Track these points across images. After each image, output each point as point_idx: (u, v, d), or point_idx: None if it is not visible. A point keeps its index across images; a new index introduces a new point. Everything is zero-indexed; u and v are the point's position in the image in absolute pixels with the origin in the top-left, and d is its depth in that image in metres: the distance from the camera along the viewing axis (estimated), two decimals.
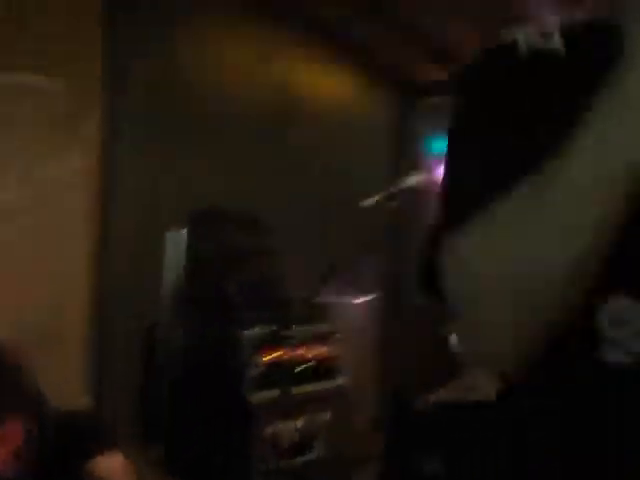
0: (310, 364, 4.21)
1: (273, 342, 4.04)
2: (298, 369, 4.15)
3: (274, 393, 4.02)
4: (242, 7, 4.66)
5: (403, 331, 5.85)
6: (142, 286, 3.98)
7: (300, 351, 4.16)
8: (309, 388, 4.21)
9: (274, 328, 4.03)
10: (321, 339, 4.33)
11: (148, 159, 4.11)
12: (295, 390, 4.10)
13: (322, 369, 4.31)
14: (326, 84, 5.71)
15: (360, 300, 5.01)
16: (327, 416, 4.30)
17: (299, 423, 4.13)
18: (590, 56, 0.92)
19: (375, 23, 5.20)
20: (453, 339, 3.25)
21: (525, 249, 0.85)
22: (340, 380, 4.39)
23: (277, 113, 4.97)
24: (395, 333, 5.75)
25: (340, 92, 5.84)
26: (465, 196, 0.95)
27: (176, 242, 4.06)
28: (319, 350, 4.28)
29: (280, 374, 4.04)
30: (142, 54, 4.04)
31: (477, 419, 3.07)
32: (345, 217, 5.27)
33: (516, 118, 0.96)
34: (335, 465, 4.32)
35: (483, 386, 2.95)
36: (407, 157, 6.38)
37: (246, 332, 3.94)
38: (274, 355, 4.04)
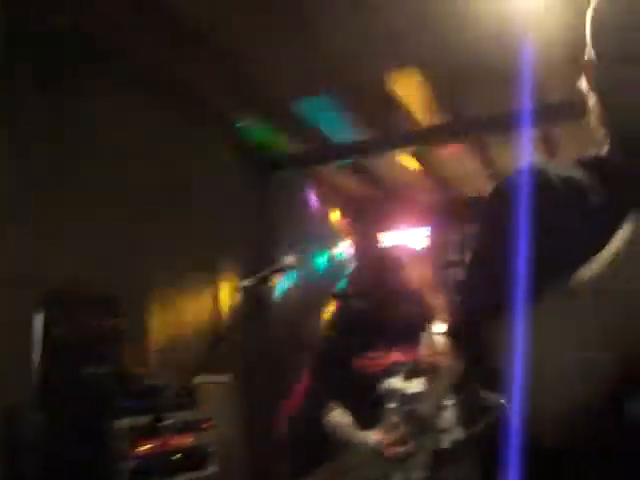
0: (181, 453, 3.94)
1: (146, 432, 3.70)
2: (174, 458, 3.87)
3: None
4: None
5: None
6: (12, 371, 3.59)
7: (174, 440, 3.90)
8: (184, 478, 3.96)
9: (147, 417, 3.65)
10: (194, 426, 4.11)
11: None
12: None
13: (195, 458, 4.08)
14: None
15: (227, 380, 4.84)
16: None
17: None
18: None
19: None
20: (332, 418, 3.29)
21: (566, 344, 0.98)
22: (211, 469, 4.19)
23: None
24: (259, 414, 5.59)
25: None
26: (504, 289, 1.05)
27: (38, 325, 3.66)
28: (190, 438, 4.05)
29: (155, 466, 3.75)
30: None
31: None
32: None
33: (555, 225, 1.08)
34: None
35: (357, 468, 3.02)
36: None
37: (116, 423, 3.63)
38: (148, 446, 3.73)
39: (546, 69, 4.30)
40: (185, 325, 5.04)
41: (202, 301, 5.33)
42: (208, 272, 5.39)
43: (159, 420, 3.50)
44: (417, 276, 3.31)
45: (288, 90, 5.13)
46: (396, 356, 3.18)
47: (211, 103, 5.26)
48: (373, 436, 2.99)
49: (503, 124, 5.34)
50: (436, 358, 3.08)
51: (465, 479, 3.07)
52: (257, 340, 5.60)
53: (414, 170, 6.74)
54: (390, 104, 5.36)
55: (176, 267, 4.90)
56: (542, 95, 4.88)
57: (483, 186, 7.09)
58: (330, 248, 6.98)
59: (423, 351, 3.15)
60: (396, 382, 3.10)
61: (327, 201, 7.12)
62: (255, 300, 4.99)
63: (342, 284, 6.89)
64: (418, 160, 6.49)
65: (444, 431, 3.04)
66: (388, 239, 7.24)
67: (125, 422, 3.65)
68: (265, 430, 5.59)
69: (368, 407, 3.11)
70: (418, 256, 5.72)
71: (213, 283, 5.46)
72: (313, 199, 6.90)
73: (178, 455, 3.88)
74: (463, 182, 7.16)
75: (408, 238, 7.08)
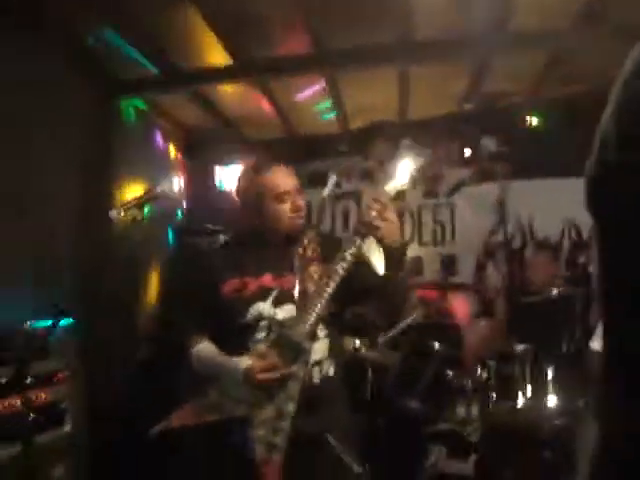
0: (37, 411, 3.57)
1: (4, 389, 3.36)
2: (30, 417, 3.45)
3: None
4: None
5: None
6: None
7: (29, 396, 3.47)
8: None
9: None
10: (48, 379, 3.79)
11: None
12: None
13: (52, 415, 3.78)
14: None
15: None
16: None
17: None
18: None
19: None
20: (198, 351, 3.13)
21: None
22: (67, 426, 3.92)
23: None
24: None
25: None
26: None
27: None
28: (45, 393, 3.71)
29: (11, 427, 3.38)
30: None
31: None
32: None
33: None
34: None
35: (224, 403, 2.89)
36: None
37: None
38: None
39: None
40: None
41: None
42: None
43: (21, 374, 3.05)
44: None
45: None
46: (264, 281, 3.02)
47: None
48: (244, 362, 2.83)
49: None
50: (306, 284, 2.96)
51: (331, 419, 2.99)
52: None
53: (260, 105, 6.47)
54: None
55: None
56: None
57: (328, 125, 7.03)
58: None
59: (293, 277, 3.01)
60: (264, 307, 2.96)
61: (166, 133, 6.82)
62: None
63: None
64: (265, 94, 6.25)
65: (316, 363, 2.96)
66: (225, 174, 7.05)
67: None
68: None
69: (235, 336, 2.97)
70: None
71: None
72: (154, 131, 6.60)
73: (32, 414, 3.45)
74: (307, 120, 6.95)
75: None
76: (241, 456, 2.78)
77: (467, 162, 6.64)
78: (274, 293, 2.99)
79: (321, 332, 2.99)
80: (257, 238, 3.16)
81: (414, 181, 2.95)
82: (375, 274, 3.03)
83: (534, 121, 6.15)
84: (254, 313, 2.96)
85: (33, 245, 4.55)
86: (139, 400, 5.03)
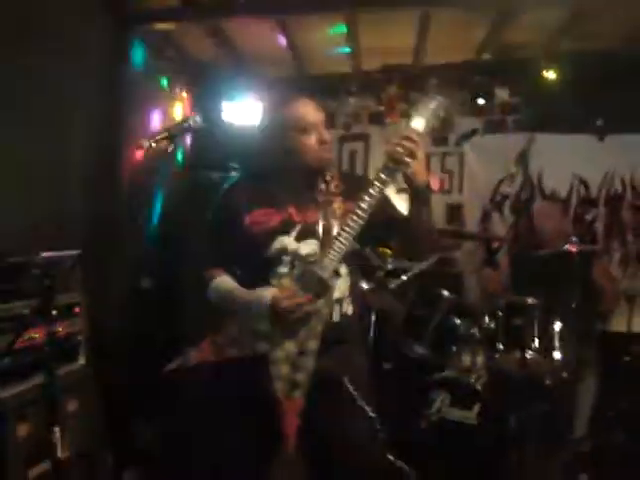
0: (53, 345, 3.32)
1: (26, 322, 3.27)
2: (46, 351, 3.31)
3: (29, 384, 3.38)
4: None
5: None
6: None
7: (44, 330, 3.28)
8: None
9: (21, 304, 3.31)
10: (65, 312, 3.74)
11: None
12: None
13: (67, 349, 3.76)
14: None
15: None
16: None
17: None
18: None
19: None
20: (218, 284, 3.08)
21: None
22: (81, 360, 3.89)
23: None
24: None
25: None
26: None
27: None
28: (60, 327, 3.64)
29: (27, 362, 3.37)
30: None
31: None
32: None
33: None
34: None
35: (244, 339, 2.87)
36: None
37: None
38: (23, 339, 3.29)
39: None
40: None
41: None
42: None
43: (48, 305, 3.01)
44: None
45: None
46: (289, 214, 3.02)
47: None
48: (269, 292, 2.82)
49: None
50: (330, 220, 2.96)
51: (349, 360, 3.03)
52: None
53: (274, 42, 6.38)
54: None
55: None
56: None
57: (340, 65, 6.97)
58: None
59: (316, 212, 3.01)
60: (288, 241, 2.95)
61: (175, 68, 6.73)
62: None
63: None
64: (283, 31, 6.17)
65: (337, 301, 2.97)
66: (231, 110, 6.97)
67: None
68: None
69: (258, 269, 2.96)
70: None
71: None
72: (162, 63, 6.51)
73: (48, 348, 3.31)
74: (320, 59, 6.86)
75: (253, 111, 6.78)
76: (262, 393, 2.78)
77: (479, 112, 6.61)
78: (298, 227, 2.98)
79: (343, 270, 2.99)
80: (281, 172, 3.14)
81: (442, 121, 2.94)
82: (400, 212, 3.06)
83: (550, 75, 6.11)
84: (277, 246, 2.95)
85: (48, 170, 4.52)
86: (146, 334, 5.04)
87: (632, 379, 5.20)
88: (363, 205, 2.82)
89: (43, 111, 4.49)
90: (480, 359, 5.02)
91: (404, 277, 5.27)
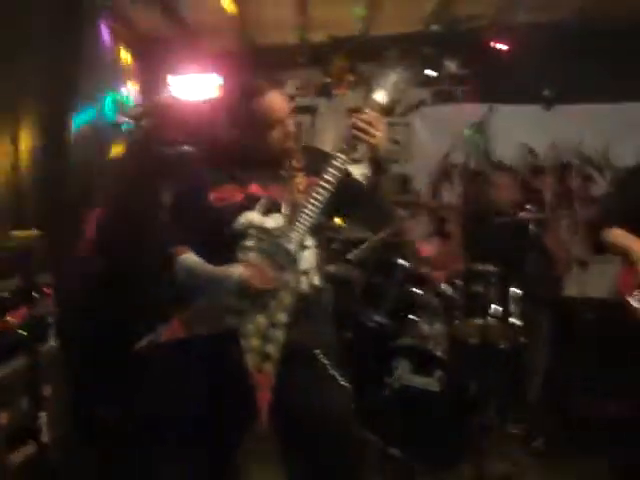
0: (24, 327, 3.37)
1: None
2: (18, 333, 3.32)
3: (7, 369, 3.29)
4: None
5: None
6: None
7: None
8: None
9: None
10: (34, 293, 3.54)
11: None
12: None
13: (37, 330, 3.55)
14: None
15: None
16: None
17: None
18: None
19: None
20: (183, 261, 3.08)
21: None
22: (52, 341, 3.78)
23: None
24: None
25: None
26: None
27: None
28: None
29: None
30: None
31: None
32: None
33: None
34: None
35: (211, 315, 2.88)
36: None
37: None
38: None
39: None
40: None
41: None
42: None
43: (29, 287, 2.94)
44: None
45: None
46: (252, 190, 3.02)
47: None
48: (237, 269, 2.83)
49: None
50: (295, 195, 2.99)
51: (319, 331, 3.04)
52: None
53: (224, 10, 6.32)
54: None
55: None
56: None
57: (288, 37, 6.96)
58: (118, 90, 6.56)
59: (280, 187, 3.03)
60: (252, 216, 2.94)
61: (119, 37, 6.63)
62: None
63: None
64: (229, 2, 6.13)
65: (304, 273, 2.94)
66: (178, 83, 6.91)
67: None
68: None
69: (224, 245, 2.94)
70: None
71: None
72: (106, 33, 6.40)
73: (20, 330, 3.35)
74: (272, 30, 6.86)
75: (200, 84, 6.75)
76: (234, 367, 2.79)
77: (427, 83, 6.66)
78: (262, 202, 2.98)
79: (309, 242, 2.98)
80: (243, 155, 3.14)
81: (403, 93, 3.05)
82: (363, 184, 3.15)
83: (498, 46, 6.19)
84: (243, 221, 2.94)
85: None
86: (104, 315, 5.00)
87: (585, 343, 5.32)
88: (328, 177, 2.87)
89: None
90: (438, 326, 5.07)
91: (361, 248, 5.33)
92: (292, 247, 2.84)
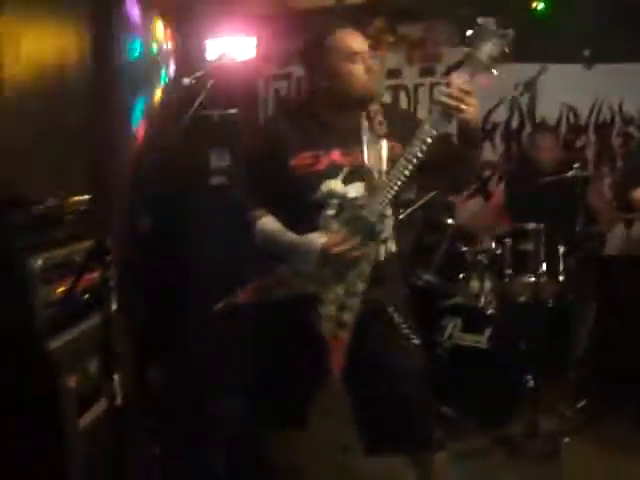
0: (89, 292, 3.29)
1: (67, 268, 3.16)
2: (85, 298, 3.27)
3: (76, 332, 3.24)
4: None
5: None
6: None
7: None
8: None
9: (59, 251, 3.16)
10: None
11: None
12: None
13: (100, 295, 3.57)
14: None
15: None
16: None
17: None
18: None
19: None
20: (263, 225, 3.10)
21: None
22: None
23: None
24: None
25: None
26: None
27: None
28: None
29: (69, 310, 3.18)
30: None
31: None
32: None
33: None
34: None
35: (291, 281, 2.88)
36: None
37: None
38: (62, 288, 3.12)
39: None
40: None
41: None
42: None
43: (103, 249, 2.94)
44: None
45: None
46: (334, 157, 3.00)
47: None
48: (319, 238, 2.88)
49: None
50: (377, 164, 2.99)
51: (393, 294, 3.07)
52: None
53: None
54: None
55: None
56: None
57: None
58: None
59: (362, 154, 3.01)
60: (335, 185, 2.95)
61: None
62: None
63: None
64: None
65: (383, 241, 2.98)
66: (214, 47, 6.91)
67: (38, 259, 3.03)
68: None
69: (305, 213, 2.98)
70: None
71: None
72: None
73: (87, 295, 3.28)
74: None
75: (235, 47, 6.74)
76: (309, 332, 2.87)
77: (467, 43, 6.63)
78: (345, 170, 2.97)
79: (388, 211, 2.99)
80: (324, 106, 3.12)
81: (492, 65, 2.99)
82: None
83: (537, 6, 6.16)
84: (325, 190, 2.95)
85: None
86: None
87: (629, 302, 5.35)
88: (415, 152, 2.81)
89: None
90: (488, 284, 5.13)
91: (409, 209, 5.37)
92: (374, 219, 2.84)
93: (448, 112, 2.80)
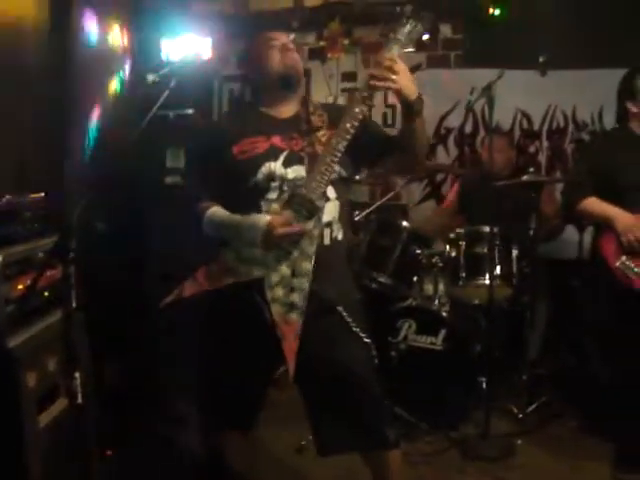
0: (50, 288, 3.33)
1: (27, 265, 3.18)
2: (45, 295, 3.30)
3: (34, 330, 3.23)
4: None
5: None
6: None
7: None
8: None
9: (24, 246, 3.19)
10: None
11: None
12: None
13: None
14: None
15: None
16: None
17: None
18: None
19: None
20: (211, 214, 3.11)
21: None
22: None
23: None
24: None
25: None
26: None
27: None
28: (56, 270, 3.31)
29: (29, 308, 3.21)
30: None
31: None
32: None
33: None
34: None
35: (238, 266, 2.91)
36: None
37: None
38: (31, 281, 3.08)
39: None
40: None
41: None
42: None
43: (67, 246, 2.89)
44: None
45: None
46: (275, 141, 3.09)
47: None
48: (262, 218, 2.89)
49: None
50: (315, 148, 3.03)
51: (341, 286, 3.10)
52: None
53: None
54: None
55: None
56: None
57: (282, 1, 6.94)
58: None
59: (301, 140, 3.10)
60: (275, 166, 3.02)
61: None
62: None
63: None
64: None
65: (327, 225, 3.02)
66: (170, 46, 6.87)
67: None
68: None
69: (247, 196, 3.03)
70: None
71: None
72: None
73: (46, 292, 3.33)
74: None
75: (192, 47, 6.72)
76: (260, 317, 2.87)
77: (422, 47, 6.67)
78: (284, 153, 3.05)
79: (331, 194, 3.05)
80: (260, 94, 3.31)
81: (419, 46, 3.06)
82: (384, 132, 3.29)
83: (496, 11, 6.21)
84: (265, 172, 3.01)
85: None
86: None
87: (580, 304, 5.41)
88: (346, 126, 2.90)
89: None
90: (442, 287, 5.15)
91: (364, 212, 5.40)
92: (315, 197, 2.87)
93: (373, 86, 2.88)
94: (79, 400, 2.56)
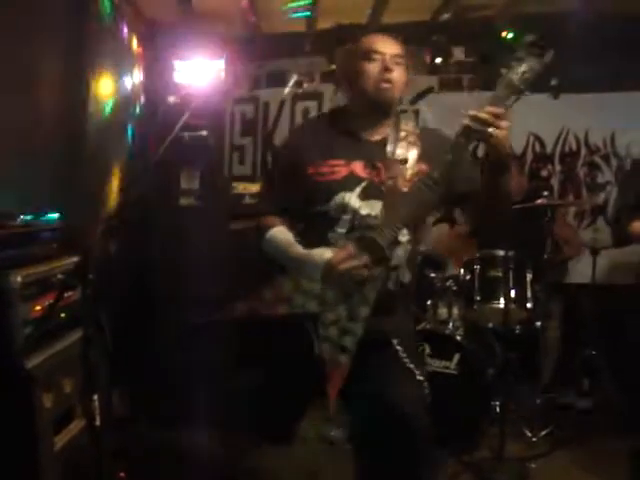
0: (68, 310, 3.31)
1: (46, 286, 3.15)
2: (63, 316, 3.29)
3: (51, 351, 3.22)
4: None
5: None
6: None
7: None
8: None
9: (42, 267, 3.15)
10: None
11: None
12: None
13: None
14: None
15: None
16: None
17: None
18: None
19: None
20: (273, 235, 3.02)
21: None
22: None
23: None
24: None
25: None
26: None
27: None
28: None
29: (47, 329, 3.18)
30: None
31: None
32: None
33: None
34: None
35: (297, 296, 2.73)
36: None
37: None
38: (49, 302, 3.10)
39: None
40: None
41: None
42: None
43: (87, 267, 2.88)
44: None
45: None
46: (355, 168, 2.91)
47: None
48: (327, 253, 2.74)
49: None
50: (399, 183, 2.83)
51: (398, 325, 2.94)
52: None
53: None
54: None
55: None
56: None
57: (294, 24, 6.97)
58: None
59: (386, 173, 2.88)
60: (350, 198, 2.83)
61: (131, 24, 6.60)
62: None
63: None
64: None
65: (393, 269, 2.84)
66: (183, 68, 6.89)
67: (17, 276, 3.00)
68: None
69: (315, 224, 2.90)
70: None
71: None
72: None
73: (63, 313, 3.30)
74: (278, 16, 6.85)
75: (203, 69, 6.74)
76: (308, 352, 2.71)
77: (435, 70, 6.70)
78: (363, 184, 2.87)
79: (403, 237, 2.87)
80: (348, 111, 3.09)
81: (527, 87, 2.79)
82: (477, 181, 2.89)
83: (509, 36, 6.22)
84: (338, 202, 2.85)
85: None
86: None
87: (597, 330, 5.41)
88: (435, 174, 2.69)
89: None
90: (456, 310, 5.14)
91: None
92: (386, 244, 2.68)
93: (475, 131, 2.65)
94: (97, 422, 2.55)
